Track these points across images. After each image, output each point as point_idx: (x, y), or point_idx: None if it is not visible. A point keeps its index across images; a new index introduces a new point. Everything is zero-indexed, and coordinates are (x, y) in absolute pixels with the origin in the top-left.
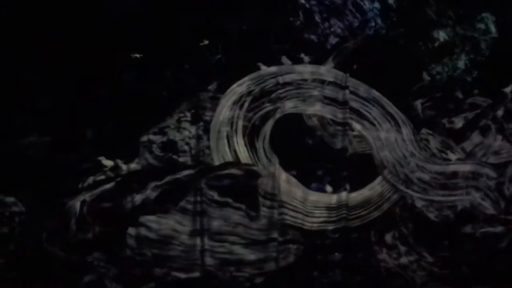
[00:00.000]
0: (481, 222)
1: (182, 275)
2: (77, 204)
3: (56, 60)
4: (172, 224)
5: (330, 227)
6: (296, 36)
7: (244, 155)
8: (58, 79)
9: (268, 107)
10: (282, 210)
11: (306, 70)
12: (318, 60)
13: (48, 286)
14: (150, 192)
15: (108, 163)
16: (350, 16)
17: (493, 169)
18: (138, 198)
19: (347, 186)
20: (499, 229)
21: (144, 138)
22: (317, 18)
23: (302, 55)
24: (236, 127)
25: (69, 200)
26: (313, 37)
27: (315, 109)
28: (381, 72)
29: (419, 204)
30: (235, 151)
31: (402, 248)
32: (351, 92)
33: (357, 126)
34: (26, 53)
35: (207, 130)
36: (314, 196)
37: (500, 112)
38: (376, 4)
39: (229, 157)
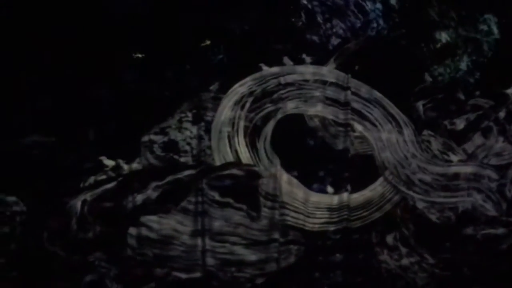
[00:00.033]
0: (483, 224)
1: (183, 275)
2: (78, 204)
3: (57, 60)
4: (173, 224)
5: (331, 228)
6: (298, 37)
7: (245, 155)
8: (59, 79)
9: (270, 107)
10: (283, 211)
11: (308, 70)
12: (320, 61)
13: (49, 286)
14: (151, 192)
15: (109, 163)
16: (352, 17)
17: (495, 170)
18: (139, 198)
19: (349, 187)
20: (500, 231)
21: (146, 138)
22: (319, 18)
23: (304, 56)
24: (238, 127)
25: (70, 200)
26: (315, 37)
27: (316, 110)
28: (383, 73)
29: (420, 205)
30: (236, 151)
31: (403, 250)
32: (353, 93)
33: (358, 127)
34: (27, 53)
35: (208, 130)
36: (315, 197)
37: (502, 114)
38: (378, 5)
39: (230, 158)
